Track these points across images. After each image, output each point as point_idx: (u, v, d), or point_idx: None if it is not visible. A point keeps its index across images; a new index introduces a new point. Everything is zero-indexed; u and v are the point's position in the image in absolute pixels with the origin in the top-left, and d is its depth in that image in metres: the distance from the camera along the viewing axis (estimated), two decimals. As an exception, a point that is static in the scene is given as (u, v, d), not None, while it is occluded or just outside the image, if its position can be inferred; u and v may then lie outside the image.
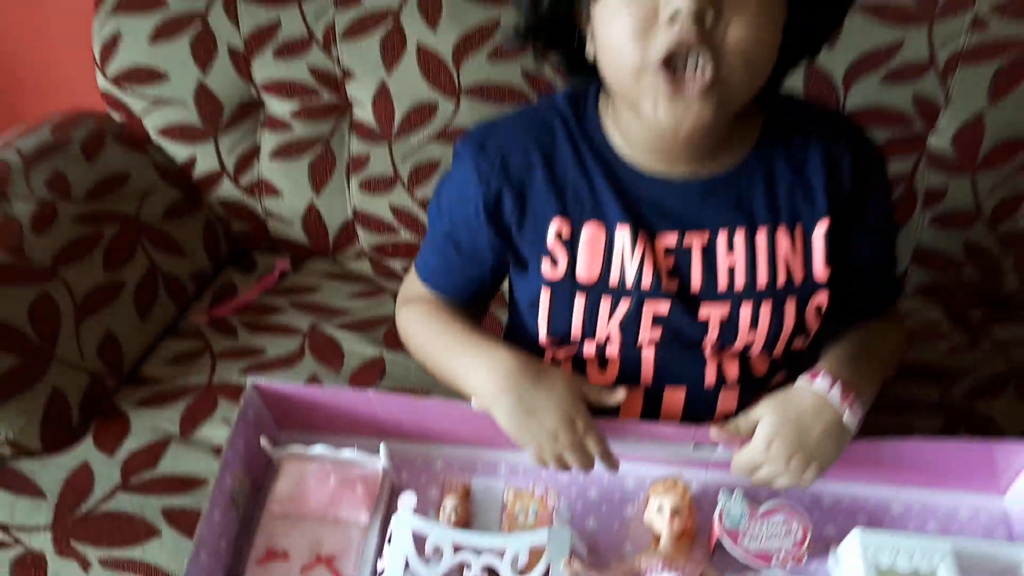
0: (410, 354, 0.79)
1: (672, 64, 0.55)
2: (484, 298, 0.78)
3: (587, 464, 0.68)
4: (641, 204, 0.67)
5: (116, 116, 1.17)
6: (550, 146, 0.68)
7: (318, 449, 0.73)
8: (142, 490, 0.85)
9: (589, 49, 0.62)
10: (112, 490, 0.86)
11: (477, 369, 0.69)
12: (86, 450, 0.90)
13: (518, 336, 0.76)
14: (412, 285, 0.79)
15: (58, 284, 0.95)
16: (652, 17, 0.55)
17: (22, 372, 0.88)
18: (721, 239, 0.67)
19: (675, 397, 0.72)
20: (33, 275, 0.93)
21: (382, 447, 0.72)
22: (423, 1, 1.06)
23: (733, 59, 0.55)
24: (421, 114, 1.10)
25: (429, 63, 1.08)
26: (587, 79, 0.66)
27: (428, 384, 0.98)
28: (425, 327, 0.76)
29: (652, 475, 0.73)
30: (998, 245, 1.07)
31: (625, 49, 0.57)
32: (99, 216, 1.04)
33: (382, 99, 1.11)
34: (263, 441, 0.73)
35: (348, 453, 0.72)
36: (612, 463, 0.69)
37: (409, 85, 1.09)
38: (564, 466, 0.68)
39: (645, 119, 0.59)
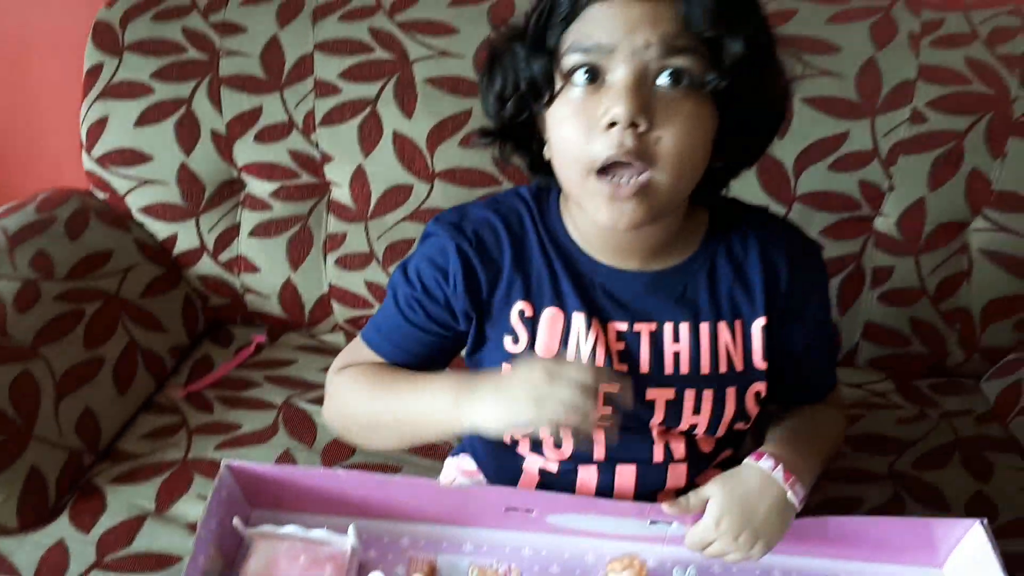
0: (343, 419, 0.78)
1: (610, 171, 0.61)
2: (440, 367, 0.79)
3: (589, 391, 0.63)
4: (596, 293, 0.72)
5: (100, 194, 1.22)
6: (519, 233, 0.73)
7: (289, 529, 0.75)
8: (117, 568, 0.87)
9: (547, 152, 0.68)
10: (87, 568, 0.87)
11: (436, 391, 0.70)
12: (62, 528, 0.91)
13: None
14: (351, 355, 0.79)
15: (39, 362, 0.97)
16: (594, 123, 0.61)
17: (2, 451, 0.90)
18: (667, 329, 0.72)
19: (627, 472, 0.76)
20: (14, 354, 0.96)
21: (351, 527, 0.75)
22: (399, 91, 1.13)
23: (663, 165, 0.61)
24: (396, 196, 1.16)
25: (404, 148, 1.14)
26: (548, 177, 0.72)
27: (399, 460, 1.01)
28: (369, 380, 0.75)
29: (611, 551, 0.76)
30: (942, 321, 1.13)
31: (571, 155, 0.63)
32: (81, 294, 1.07)
33: (359, 181, 1.16)
34: (235, 521, 0.75)
35: (318, 533, 0.75)
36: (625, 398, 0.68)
37: (385, 168, 1.15)
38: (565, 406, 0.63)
39: (590, 216, 0.65)
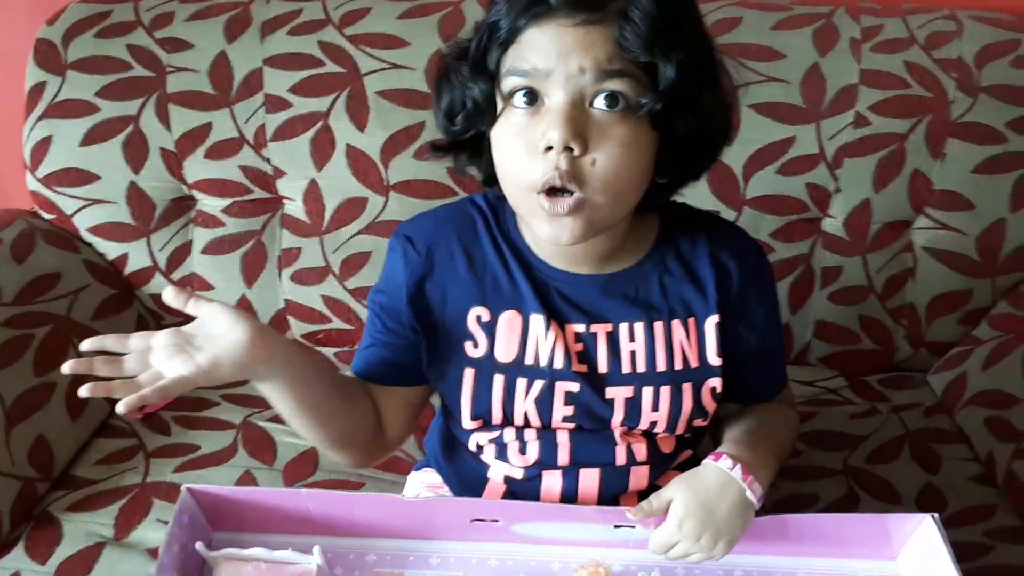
0: None
1: (548, 190, 0.63)
2: (412, 382, 0.80)
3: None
4: (553, 296, 0.74)
5: (46, 215, 1.19)
6: (471, 240, 0.75)
7: (253, 551, 0.74)
8: (76, 597, 0.86)
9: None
10: (45, 599, 0.86)
11: None
12: (17, 560, 0.89)
13: (451, 427, 0.81)
14: None
15: (-12, 390, 0.95)
16: (534, 146, 0.63)
17: (-49, 482, 0.88)
18: (623, 329, 0.74)
19: (590, 476, 0.78)
20: (-38, 382, 0.94)
21: (316, 547, 0.74)
22: (351, 105, 1.12)
23: (598, 185, 0.63)
24: (351, 209, 1.15)
25: (358, 161, 1.13)
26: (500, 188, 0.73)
27: (361, 476, 1.01)
28: None
29: (576, 558, 0.77)
30: (889, 317, 1.16)
31: (513, 174, 0.65)
32: (30, 318, 1.05)
33: (313, 195, 1.16)
34: (198, 545, 0.74)
35: (283, 553, 0.74)
36: None
37: (339, 182, 1.15)
38: None
39: (534, 231, 0.68)
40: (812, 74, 1.10)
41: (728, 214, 1.13)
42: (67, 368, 0.63)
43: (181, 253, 1.19)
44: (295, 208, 1.17)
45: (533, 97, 0.63)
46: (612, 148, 0.62)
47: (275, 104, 1.14)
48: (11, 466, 0.94)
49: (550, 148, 0.62)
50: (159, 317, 1.22)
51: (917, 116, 1.10)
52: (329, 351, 1.22)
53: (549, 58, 0.61)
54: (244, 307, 1.19)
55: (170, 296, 0.66)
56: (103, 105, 1.14)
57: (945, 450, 1.06)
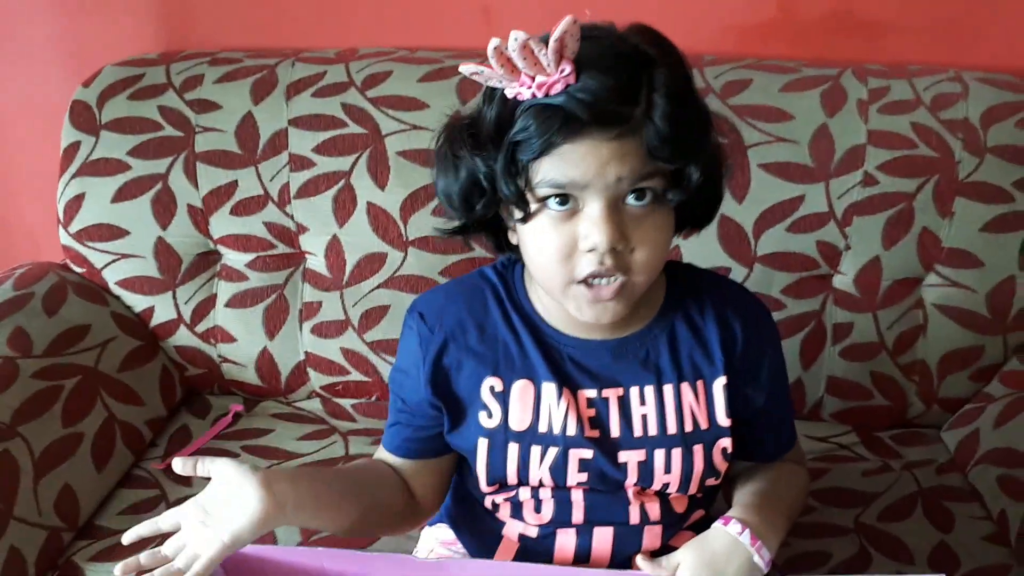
0: None
1: (590, 280, 0.67)
2: (438, 453, 0.82)
3: None
4: (564, 363, 0.76)
5: (77, 268, 1.23)
6: (482, 313, 0.77)
7: (271, 607, 0.76)
8: (98, 648, 0.87)
9: (512, 238, 0.73)
10: (68, 650, 0.88)
11: None
12: (42, 608, 0.92)
13: (467, 484, 0.83)
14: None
15: (18, 442, 0.98)
16: (573, 244, 0.66)
17: (-19, 533, 0.91)
18: (634, 393, 0.76)
19: (604, 535, 0.79)
20: (-7, 434, 0.97)
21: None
22: (372, 164, 1.16)
23: (639, 271, 0.67)
24: (371, 264, 1.19)
25: (378, 218, 1.17)
26: (512, 255, 0.75)
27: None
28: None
29: (588, 618, 0.78)
30: (901, 374, 1.17)
31: (551, 268, 0.68)
32: (59, 370, 1.08)
33: (334, 251, 1.19)
34: (217, 602, 0.76)
35: (301, 612, 0.76)
36: None
37: (360, 238, 1.18)
38: None
39: (571, 314, 0.71)
40: (820, 134, 1.13)
41: (739, 271, 1.15)
42: (118, 571, 0.70)
43: (206, 306, 1.22)
44: (317, 263, 1.21)
45: (567, 200, 0.66)
46: (649, 236, 0.67)
47: (299, 163, 1.18)
48: (38, 516, 0.97)
49: (593, 249, 0.65)
50: (183, 368, 1.25)
51: (925, 176, 1.12)
52: (347, 402, 1.24)
53: (588, 172, 0.64)
54: (266, 359, 1.22)
55: (179, 466, 0.72)
56: (134, 164, 1.19)
57: (958, 508, 1.05)
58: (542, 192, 0.66)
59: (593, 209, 0.65)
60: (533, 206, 0.67)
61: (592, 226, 0.65)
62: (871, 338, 1.16)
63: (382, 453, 0.84)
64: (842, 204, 1.13)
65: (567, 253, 0.66)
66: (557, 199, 0.66)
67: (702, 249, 1.11)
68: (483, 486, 0.78)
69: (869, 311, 1.16)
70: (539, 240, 0.68)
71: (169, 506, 1.05)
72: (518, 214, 0.68)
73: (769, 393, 0.79)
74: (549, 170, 0.64)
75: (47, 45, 1.38)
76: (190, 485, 1.09)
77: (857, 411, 1.19)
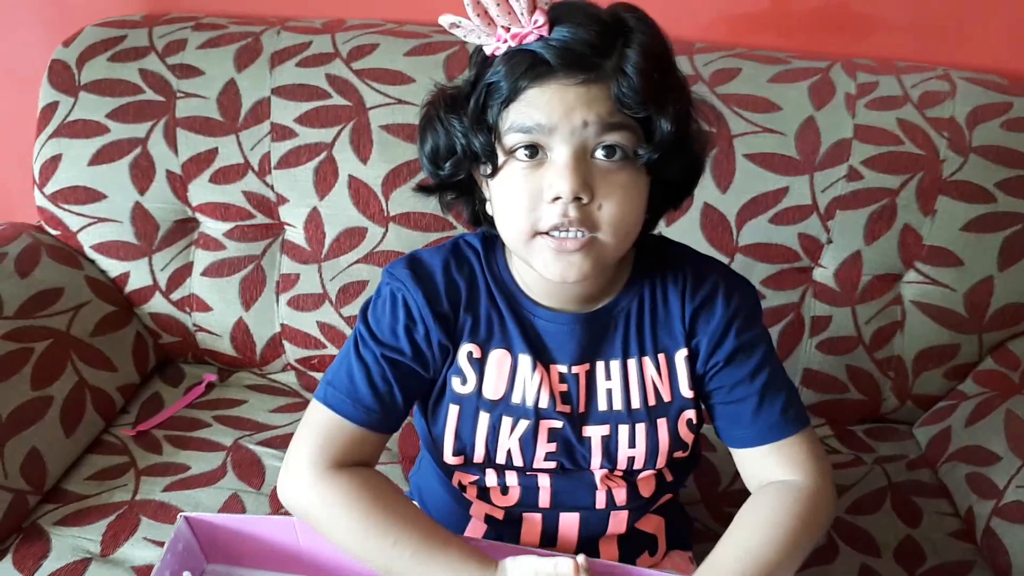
0: (327, 535, 0.74)
1: (555, 231, 0.66)
2: (393, 427, 0.78)
3: None
4: (538, 336, 0.76)
5: (52, 231, 1.21)
6: (470, 279, 0.77)
7: (242, 581, 0.76)
8: (59, 613, 0.87)
9: (488, 207, 0.72)
10: (29, 613, 0.87)
11: None
12: (5, 571, 0.90)
13: (436, 462, 0.82)
14: (322, 433, 0.75)
15: (-15, 403, 0.97)
16: (539, 194, 0.66)
17: (-57, 493, 0.90)
18: (599, 367, 0.76)
19: (570, 519, 0.79)
20: (-40, 394, 0.95)
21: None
22: (355, 137, 1.15)
23: (605, 228, 0.66)
24: (351, 238, 1.17)
25: (360, 192, 1.16)
26: (490, 227, 0.74)
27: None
28: (371, 525, 0.71)
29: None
30: (877, 369, 1.17)
31: (516, 220, 0.67)
32: (30, 332, 1.07)
33: (313, 223, 1.18)
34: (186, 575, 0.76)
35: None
36: None
37: (340, 211, 1.17)
38: None
39: (538, 272, 0.69)
40: (807, 127, 1.13)
41: (720, 260, 1.14)
42: None
43: (182, 274, 1.21)
44: (296, 235, 1.19)
45: (535, 151, 0.66)
46: (617, 193, 0.66)
47: (281, 133, 1.16)
48: (4, 478, 0.96)
49: (557, 198, 0.64)
50: (156, 335, 1.24)
51: (909, 172, 1.12)
52: (320, 375, 1.23)
53: (553, 115, 0.64)
54: (241, 329, 1.21)
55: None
56: (113, 127, 1.17)
57: (926, 504, 1.06)
58: (510, 141, 0.66)
59: (559, 155, 0.65)
60: (501, 159, 0.67)
61: (556, 175, 0.64)
62: (849, 332, 1.17)
63: (335, 424, 0.75)
64: (826, 197, 1.13)
65: (532, 203, 0.66)
66: (525, 150, 0.65)
67: (684, 237, 1.07)
68: (447, 456, 0.77)
69: (848, 305, 1.16)
70: (505, 192, 0.67)
71: (138, 474, 1.04)
72: (487, 169, 0.68)
73: (751, 370, 0.75)
74: (516, 116, 0.65)
75: (29, 3, 1.35)
76: (160, 453, 1.08)
77: (831, 404, 1.20)
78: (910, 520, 1.04)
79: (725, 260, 1.15)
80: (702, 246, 1.14)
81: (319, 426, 0.75)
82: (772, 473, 0.75)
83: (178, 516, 0.77)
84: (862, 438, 1.18)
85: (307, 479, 0.73)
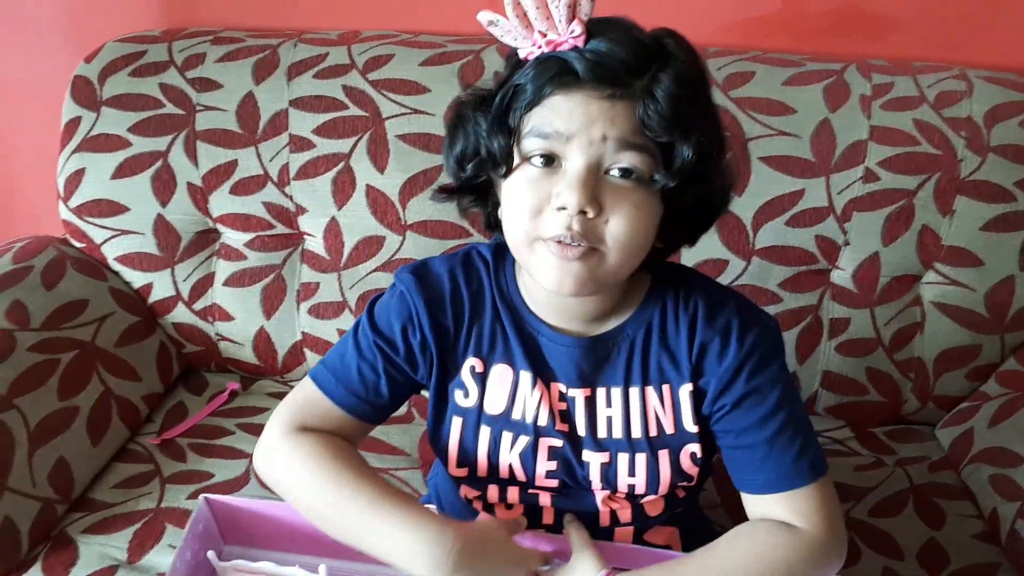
0: (286, 497, 0.75)
1: (557, 239, 0.65)
2: (372, 419, 0.79)
3: None
4: (540, 353, 0.75)
5: (76, 243, 1.24)
6: (477, 290, 0.77)
7: (262, 564, 0.77)
8: (87, 620, 0.88)
9: (500, 212, 0.72)
10: (58, 620, 0.88)
11: (414, 551, 0.67)
12: (34, 579, 0.92)
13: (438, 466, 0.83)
14: (301, 405, 0.77)
15: (13, 414, 0.98)
16: (546, 202, 0.65)
17: (-26, 503, 0.91)
18: (600, 393, 0.75)
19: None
20: (-11, 405, 0.97)
21: (322, 566, 0.77)
22: (372, 147, 1.16)
23: (610, 242, 0.65)
24: (369, 246, 1.19)
25: (377, 201, 1.17)
26: (501, 233, 0.75)
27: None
28: (327, 478, 0.72)
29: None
30: (897, 370, 1.17)
31: (521, 223, 0.67)
32: (56, 343, 1.09)
33: (332, 232, 1.19)
34: (210, 554, 0.77)
35: (290, 570, 0.77)
36: None
37: (358, 220, 1.18)
38: None
39: (537, 280, 0.69)
40: (822, 129, 1.12)
41: (737, 264, 1.15)
42: None
43: (204, 284, 1.22)
44: (315, 244, 1.21)
45: (551, 159, 0.65)
46: (626, 209, 0.65)
47: (299, 144, 1.18)
48: (32, 487, 0.97)
49: (563, 208, 0.64)
50: (180, 345, 1.26)
51: (926, 173, 1.11)
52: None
53: (572, 123, 0.63)
54: (263, 338, 1.23)
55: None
56: (134, 140, 1.19)
57: (949, 506, 1.06)
58: (528, 146, 0.66)
59: (573, 165, 0.64)
60: (516, 161, 0.67)
61: (566, 185, 0.64)
62: (868, 334, 1.16)
63: (316, 400, 0.77)
64: (842, 199, 1.13)
65: (538, 210, 0.65)
66: (541, 158, 0.65)
67: (700, 242, 1.10)
68: (452, 468, 0.78)
69: (866, 307, 1.16)
70: (514, 194, 0.67)
71: (163, 482, 1.06)
72: (501, 170, 0.67)
73: (759, 416, 0.71)
74: (537, 120, 0.65)
75: (51, 21, 1.38)
76: (184, 461, 1.09)
77: (852, 406, 1.19)
78: (933, 522, 1.03)
79: (742, 264, 1.15)
80: (718, 250, 1.14)
81: (302, 399, 0.78)
82: (778, 518, 0.72)
83: (200, 497, 0.78)
84: (883, 440, 1.18)
85: (275, 439, 0.76)
